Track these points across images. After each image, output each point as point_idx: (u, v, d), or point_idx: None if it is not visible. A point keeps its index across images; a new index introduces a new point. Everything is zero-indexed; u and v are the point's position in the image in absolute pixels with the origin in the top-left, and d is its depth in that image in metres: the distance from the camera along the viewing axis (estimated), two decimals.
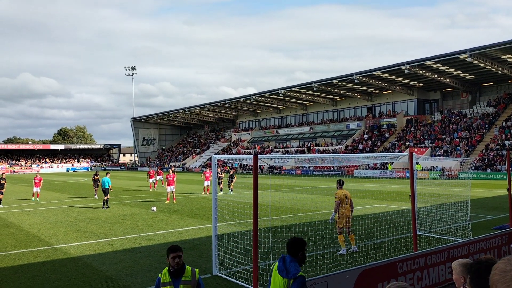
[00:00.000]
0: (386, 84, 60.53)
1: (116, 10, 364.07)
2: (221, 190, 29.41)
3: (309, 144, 70.23)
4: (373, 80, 58.60)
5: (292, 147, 73.17)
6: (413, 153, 10.38)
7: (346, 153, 55.76)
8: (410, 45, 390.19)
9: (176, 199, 25.74)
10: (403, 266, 7.69)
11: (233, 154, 73.82)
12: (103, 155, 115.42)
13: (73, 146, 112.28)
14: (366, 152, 55.57)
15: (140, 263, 10.70)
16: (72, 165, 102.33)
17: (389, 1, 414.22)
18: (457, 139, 51.52)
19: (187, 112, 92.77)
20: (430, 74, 53.26)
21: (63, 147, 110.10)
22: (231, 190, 29.81)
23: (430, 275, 8.10)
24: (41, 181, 28.66)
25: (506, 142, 46.05)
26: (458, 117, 56.03)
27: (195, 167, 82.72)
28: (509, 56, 46.08)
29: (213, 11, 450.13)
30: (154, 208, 21.25)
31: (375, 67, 55.04)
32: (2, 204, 24.41)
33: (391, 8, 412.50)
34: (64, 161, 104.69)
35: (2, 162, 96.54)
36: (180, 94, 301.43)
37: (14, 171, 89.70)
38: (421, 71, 52.05)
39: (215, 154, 74.16)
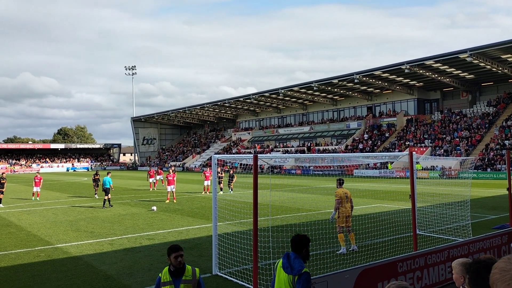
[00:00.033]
0: (386, 84, 60.52)
1: (116, 10, 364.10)
2: (221, 189, 29.42)
3: (309, 143, 70.24)
4: (373, 80, 58.59)
5: (292, 146, 73.18)
6: (413, 152, 10.39)
7: (346, 152, 55.77)
8: (410, 44, 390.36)
9: (176, 198, 25.75)
10: (403, 265, 7.69)
11: (233, 153, 73.79)
12: (103, 155, 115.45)
13: (73, 146, 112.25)
14: (366, 152, 55.55)
15: (140, 263, 10.71)
16: (72, 164, 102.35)
17: (389, 1, 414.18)
18: (457, 139, 51.51)
19: (187, 111, 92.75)
20: (430, 73, 53.25)
21: (63, 147, 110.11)
22: (231, 190, 29.81)
23: (430, 274, 8.10)
24: (41, 181, 28.66)
25: (506, 142, 46.05)
26: (458, 117, 56.03)
27: (195, 166, 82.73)
28: (509, 55, 46.07)
29: (213, 11, 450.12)
30: (154, 208, 21.26)
31: (375, 66, 55.05)
32: (2, 204, 24.42)
33: (391, 8, 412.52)
34: (64, 160, 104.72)
35: (2, 161, 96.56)
36: (180, 94, 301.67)
37: (14, 171, 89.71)
38: (421, 71, 52.05)
39: (215, 153, 74.14)
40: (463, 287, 3.63)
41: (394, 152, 49.16)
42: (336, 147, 64.22)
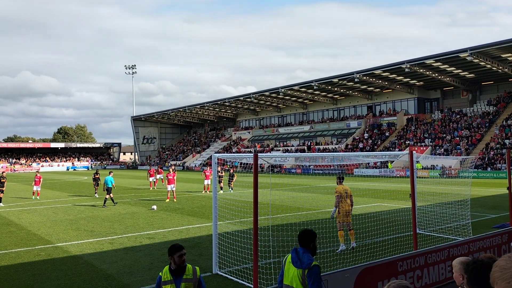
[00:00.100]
0: (386, 83, 60.50)
1: (117, 8, 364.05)
2: (221, 188, 29.43)
3: (309, 142, 70.24)
4: (374, 79, 58.57)
5: (292, 145, 73.18)
6: (413, 152, 10.38)
7: (346, 152, 55.75)
8: (411, 43, 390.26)
9: (176, 197, 25.75)
10: (403, 264, 7.70)
11: (233, 152, 73.78)
12: (103, 154, 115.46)
13: (73, 145, 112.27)
14: (367, 151, 55.55)
15: (141, 262, 10.71)
16: (72, 163, 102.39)
17: (389, 0, 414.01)
18: (458, 138, 51.51)
19: (187, 110, 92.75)
20: (430, 72, 53.23)
21: (63, 146, 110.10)
22: (231, 189, 29.82)
23: (430, 273, 8.11)
24: (41, 180, 28.66)
25: (507, 141, 46.04)
26: (458, 116, 56.02)
27: (195, 165, 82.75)
28: (510, 55, 46.06)
29: (213, 9, 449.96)
30: (155, 207, 21.27)
31: (376, 66, 55.04)
32: (3, 203, 24.42)
33: (392, 7, 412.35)
34: (64, 159, 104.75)
35: (3, 160, 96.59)
36: (180, 93, 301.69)
37: (14, 170, 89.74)
38: (421, 70, 52.03)
39: (215, 152, 74.11)
40: (463, 287, 3.63)
41: (394, 151, 49.19)
42: (336, 146, 64.23)
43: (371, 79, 58.36)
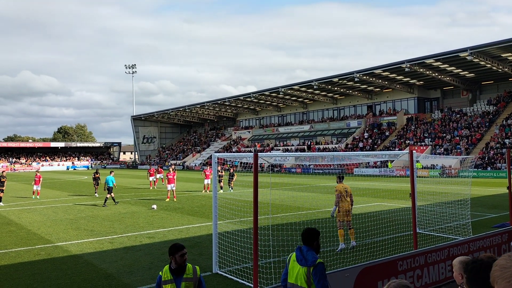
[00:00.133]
0: (386, 82, 60.49)
1: (117, 8, 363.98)
2: (221, 188, 29.43)
3: (309, 142, 70.24)
4: (374, 78, 58.55)
5: (292, 145, 73.17)
6: (413, 151, 10.38)
7: (346, 151, 55.76)
8: (411, 43, 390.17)
9: (176, 197, 25.75)
10: (403, 264, 7.70)
11: (233, 152, 73.80)
12: (103, 153, 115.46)
13: (73, 144, 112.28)
14: (367, 151, 55.55)
15: (141, 261, 10.71)
16: (73, 163, 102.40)
17: (390, 0, 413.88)
18: (457, 138, 51.51)
19: (187, 110, 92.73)
20: (430, 72, 53.21)
21: (63, 145, 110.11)
22: (231, 188, 29.83)
23: (430, 273, 8.11)
24: (41, 179, 28.66)
25: (506, 141, 46.04)
26: (458, 116, 56.02)
27: (195, 165, 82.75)
28: (510, 54, 46.04)
29: (213, 9, 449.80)
30: (155, 206, 21.28)
31: (376, 65, 55.02)
32: (3, 202, 24.43)
33: (392, 6, 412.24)
34: (65, 159, 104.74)
35: (3, 160, 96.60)
36: (180, 92, 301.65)
37: (14, 169, 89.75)
38: (421, 69, 52.02)
39: (215, 152, 74.08)
40: (462, 286, 3.63)
41: (394, 151, 49.18)
42: (336, 145, 64.22)
43: (371, 79, 58.34)
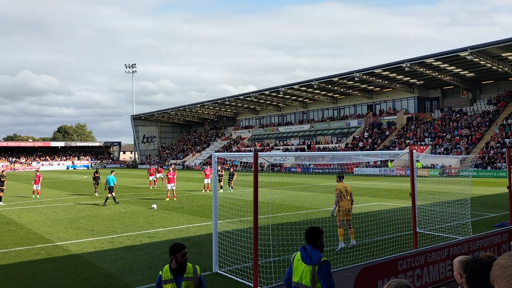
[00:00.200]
0: (386, 82, 60.47)
1: (117, 8, 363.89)
2: (221, 187, 29.43)
3: (309, 142, 70.23)
4: (374, 78, 58.53)
5: (292, 145, 73.16)
6: (413, 151, 10.38)
7: (346, 151, 55.75)
8: (411, 43, 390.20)
9: (176, 196, 25.75)
10: (403, 263, 7.70)
11: (233, 151, 73.76)
12: (103, 153, 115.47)
13: (73, 144, 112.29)
14: (367, 150, 55.55)
15: (141, 261, 10.71)
16: (72, 162, 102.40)
17: None
18: (458, 137, 51.50)
19: (187, 109, 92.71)
20: (430, 72, 53.19)
21: (63, 145, 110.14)
22: (231, 188, 29.83)
23: (430, 272, 8.11)
24: (41, 178, 28.67)
25: (507, 140, 46.04)
26: (458, 115, 56.01)
27: (195, 164, 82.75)
28: (510, 54, 46.01)
29: (213, 9, 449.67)
30: (154, 206, 21.27)
31: (376, 65, 54.99)
32: (3, 202, 24.43)
33: (393, 6, 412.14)
34: (64, 158, 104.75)
35: (3, 159, 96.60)
36: (180, 92, 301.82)
37: (14, 169, 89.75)
38: (421, 69, 52.00)
39: (215, 151, 74.11)
40: (462, 286, 3.63)
41: (394, 150, 49.17)
42: (336, 145, 64.21)
43: (371, 78, 58.32)
